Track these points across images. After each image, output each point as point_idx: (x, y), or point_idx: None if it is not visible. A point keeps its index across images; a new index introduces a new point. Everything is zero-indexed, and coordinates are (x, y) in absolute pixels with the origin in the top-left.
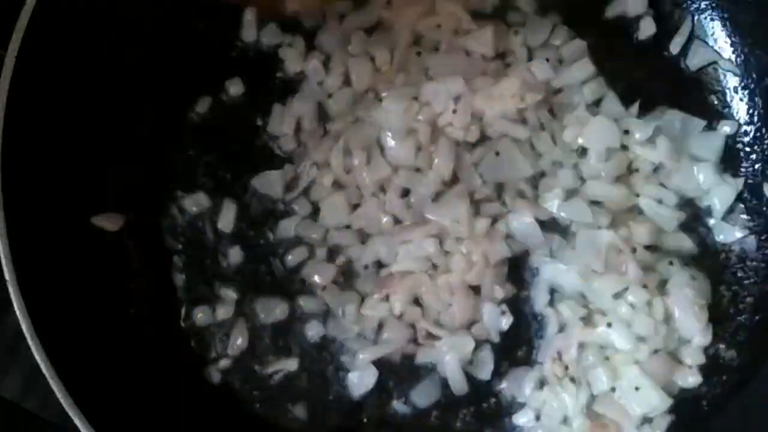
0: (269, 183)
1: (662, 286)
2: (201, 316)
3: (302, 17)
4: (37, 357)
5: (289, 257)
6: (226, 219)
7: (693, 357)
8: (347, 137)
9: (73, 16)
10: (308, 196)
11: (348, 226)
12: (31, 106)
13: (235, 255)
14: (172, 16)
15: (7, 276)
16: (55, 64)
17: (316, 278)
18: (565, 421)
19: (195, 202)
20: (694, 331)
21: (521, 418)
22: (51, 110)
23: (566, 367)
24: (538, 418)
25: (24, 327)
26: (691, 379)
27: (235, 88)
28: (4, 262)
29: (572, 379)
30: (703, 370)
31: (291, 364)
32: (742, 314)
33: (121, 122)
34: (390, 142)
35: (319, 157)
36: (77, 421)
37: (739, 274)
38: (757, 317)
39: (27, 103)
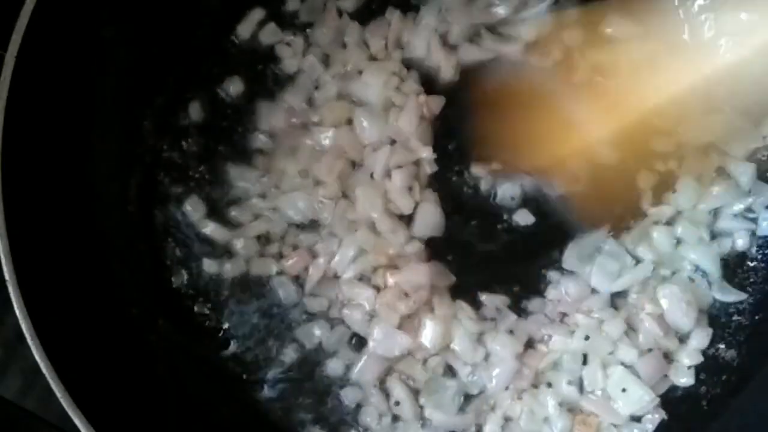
0: (242, 176)
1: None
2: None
3: (301, 14)
4: (37, 357)
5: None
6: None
7: (690, 358)
8: (322, 114)
9: (72, 16)
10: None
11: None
12: (31, 107)
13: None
14: (173, 15)
15: (7, 276)
16: (55, 64)
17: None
18: (546, 420)
19: (192, 202)
20: (688, 332)
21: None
22: (51, 110)
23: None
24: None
25: (24, 327)
26: (684, 379)
27: (234, 87)
28: (4, 262)
29: (549, 384)
30: (704, 370)
31: (290, 356)
32: (742, 314)
33: (120, 121)
34: (363, 119)
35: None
36: (77, 421)
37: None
38: (757, 317)
39: (27, 103)
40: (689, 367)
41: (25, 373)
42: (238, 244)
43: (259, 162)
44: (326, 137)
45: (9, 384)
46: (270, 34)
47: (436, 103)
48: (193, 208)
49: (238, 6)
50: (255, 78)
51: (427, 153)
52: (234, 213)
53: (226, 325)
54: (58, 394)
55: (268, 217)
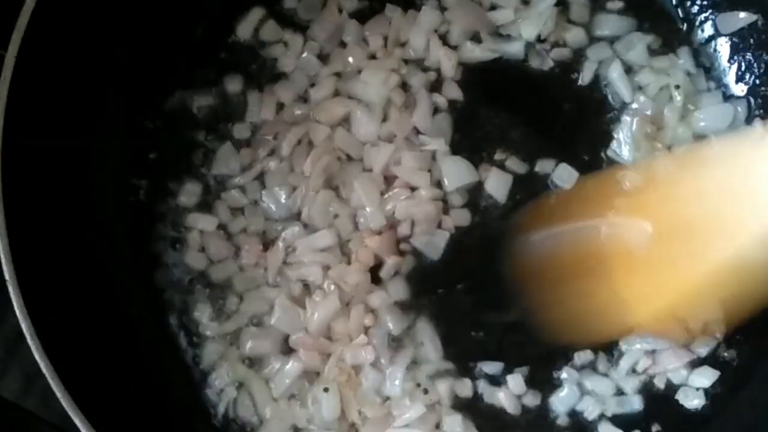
0: (228, 169)
1: None
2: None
3: (300, 12)
4: (37, 357)
5: None
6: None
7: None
8: (317, 111)
9: (72, 16)
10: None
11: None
12: (31, 107)
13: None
14: (173, 14)
15: (7, 276)
16: (56, 64)
17: None
18: None
19: (188, 196)
20: None
21: None
22: (51, 110)
23: None
24: None
25: (24, 327)
26: (695, 401)
27: (234, 85)
28: (4, 262)
29: None
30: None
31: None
32: None
33: (120, 121)
34: (361, 116)
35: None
36: (77, 421)
37: None
38: (757, 317)
39: (27, 103)
40: (697, 389)
41: (25, 373)
42: (212, 247)
43: (244, 154)
44: (317, 133)
45: (9, 384)
46: (270, 33)
47: (452, 91)
48: (187, 199)
49: (238, 5)
50: (254, 76)
51: (439, 145)
52: (219, 209)
53: None
54: (58, 394)
55: (249, 211)
